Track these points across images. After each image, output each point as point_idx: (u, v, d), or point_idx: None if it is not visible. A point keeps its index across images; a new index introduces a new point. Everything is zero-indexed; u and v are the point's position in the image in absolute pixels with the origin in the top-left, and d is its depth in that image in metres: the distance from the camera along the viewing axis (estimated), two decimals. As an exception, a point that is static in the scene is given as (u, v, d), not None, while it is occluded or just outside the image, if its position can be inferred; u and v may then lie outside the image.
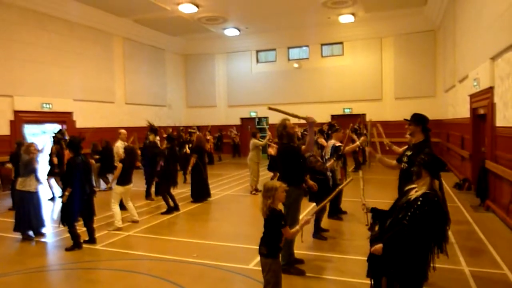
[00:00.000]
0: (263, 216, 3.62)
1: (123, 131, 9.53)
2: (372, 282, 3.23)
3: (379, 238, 3.16)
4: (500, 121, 7.38)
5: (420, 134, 4.63)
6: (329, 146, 7.09)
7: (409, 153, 4.69)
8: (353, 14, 16.57)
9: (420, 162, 3.19)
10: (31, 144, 6.91)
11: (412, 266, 2.98)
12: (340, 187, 4.73)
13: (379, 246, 3.05)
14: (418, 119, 4.67)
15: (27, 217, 6.53)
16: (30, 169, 6.63)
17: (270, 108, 5.04)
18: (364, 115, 18.66)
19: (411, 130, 4.70)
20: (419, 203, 2.97)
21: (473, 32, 9.51)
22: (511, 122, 6.67)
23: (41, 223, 6.79)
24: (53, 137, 10.48)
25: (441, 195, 3.13)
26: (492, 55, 7.63)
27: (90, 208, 6.20)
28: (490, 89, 7.85)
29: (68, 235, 6.05)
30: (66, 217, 5.98)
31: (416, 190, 3.13)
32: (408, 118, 4.80)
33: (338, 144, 7.14)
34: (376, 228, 3.39)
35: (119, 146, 9.09)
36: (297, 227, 3.80)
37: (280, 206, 3.85)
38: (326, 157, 6.97)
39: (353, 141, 8.75)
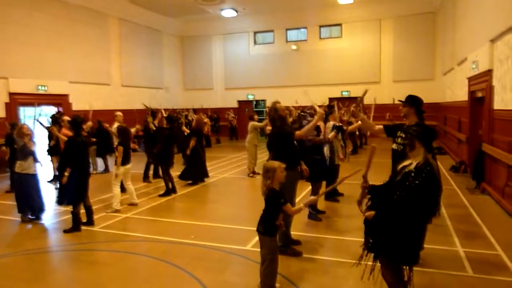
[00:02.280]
0: (263, 196, 3.69)
1: (119, 113, 9.51)
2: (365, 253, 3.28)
3: (374, 206, 3.24)
4: (497, 104, 7.37)
5: (414, 116, 4.52)
6: (329, 127, 6.98)
7: (403, 135, 4.64)
8: (352, -5, 16.33)
9: (413, 133, 3.21)
10: (23, 126, 6.75)
11: (405, 241, 3.02)
12: (345, 178, 4.08)
13: (371, 212, 3.16)
14: (412, 101, 4.57)
15: (30, 199, 6.48)
16: (27, 152, 6.53)
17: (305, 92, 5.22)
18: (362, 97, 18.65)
19: (405, 112, 4.58)
20: (412, 174, 3.01)
21: (473, 14, 9.40)
22: (509, 105, 6.66)
23: (41, 206, 6.72)
24: (51, 117, 10.45)
25: (435, 164, 3.15)
26: (492, 37, 7.56)
27: (86, 188, 6.22)
28: (489, 72, 7.81)
29: (67, 217, 6.05)
30: (67, 198, 5.98)
31: (411, 163, 3.13)
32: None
33: (338, 124, 7.13)
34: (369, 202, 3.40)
35: (116, 128, 9.02)
36: (301, 205, 3.83)
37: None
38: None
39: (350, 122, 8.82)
